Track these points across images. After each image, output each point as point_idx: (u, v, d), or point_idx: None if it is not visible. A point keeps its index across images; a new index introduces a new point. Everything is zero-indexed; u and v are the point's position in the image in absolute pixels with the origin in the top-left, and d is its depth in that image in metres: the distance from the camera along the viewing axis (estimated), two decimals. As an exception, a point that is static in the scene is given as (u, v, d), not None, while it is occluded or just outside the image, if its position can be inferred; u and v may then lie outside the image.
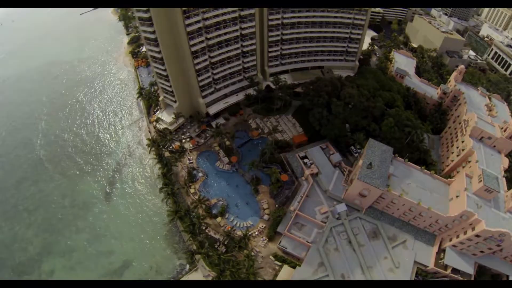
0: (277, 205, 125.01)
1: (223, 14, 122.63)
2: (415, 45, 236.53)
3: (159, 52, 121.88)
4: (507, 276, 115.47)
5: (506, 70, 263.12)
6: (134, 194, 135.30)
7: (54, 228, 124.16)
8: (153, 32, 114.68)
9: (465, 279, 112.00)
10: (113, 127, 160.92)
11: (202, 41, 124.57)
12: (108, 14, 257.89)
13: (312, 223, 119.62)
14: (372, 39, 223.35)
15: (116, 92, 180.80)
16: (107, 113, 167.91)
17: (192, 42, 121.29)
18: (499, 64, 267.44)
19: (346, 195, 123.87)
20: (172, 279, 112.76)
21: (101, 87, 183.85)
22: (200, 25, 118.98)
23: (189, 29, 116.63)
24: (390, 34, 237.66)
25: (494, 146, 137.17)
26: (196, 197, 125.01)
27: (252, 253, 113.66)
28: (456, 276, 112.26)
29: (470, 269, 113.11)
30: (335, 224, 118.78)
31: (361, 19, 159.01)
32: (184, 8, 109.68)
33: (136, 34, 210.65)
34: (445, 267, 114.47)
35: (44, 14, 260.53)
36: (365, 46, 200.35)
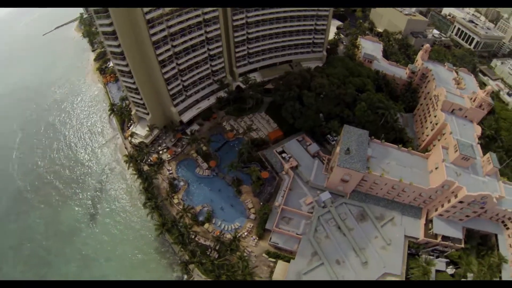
0: (261, 203, 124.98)
1: (188, 19, 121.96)
2: (380, 30, 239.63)
3: (127, 66, 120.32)
4: (495, 235, 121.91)
5: (470, 44, 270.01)
6: (120, 212, 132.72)
7: (42, 261, 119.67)
8: (119, 46, 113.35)
9: (456, 244, 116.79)
10: (89, 147, 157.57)
11: (168, 49, 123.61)
12: (72, 32, 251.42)
13: (299, 215, 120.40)
14: (338, 28, 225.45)
15: (88, 112, 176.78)
16: (81, 134, 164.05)
17: (158, 52, 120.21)
18: (462, 39, 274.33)
19: (328, 183, 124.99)
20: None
21: (72, 108, 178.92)
22: (165, 33, 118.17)
23: (154, 38, 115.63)
24: (355, 21, 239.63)
25: (466, 117, 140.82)
26: (181, 207, 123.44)
27: (245, 254, 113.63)
28: (446, 243, 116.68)
29: (459, 234, 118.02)
30: (322, 212, 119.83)
31: (325, 10, 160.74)
32: (148, 18, 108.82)
33: (102, 50, 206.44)
34: (435, 236, 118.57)
35: (5, 36, 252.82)
36: (332, 36, 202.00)
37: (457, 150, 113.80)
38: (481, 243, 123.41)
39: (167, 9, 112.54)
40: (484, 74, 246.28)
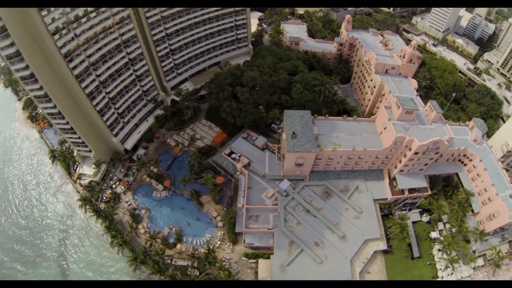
0: (225, 208, 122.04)
1: (105, 45, 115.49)
2: (301, 12, 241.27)
3: (54, 107, 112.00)
4: (457, 174, 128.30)
5: (388, 8, 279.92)
6: (90, 261, 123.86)
7: None
8: (41, 88, 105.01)
9: (423, 193, 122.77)
10: (39, 205, 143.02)
11: (93, 80, 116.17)
12: None
13: (265, 210, 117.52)
14: (260, 19, 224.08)
15: (29, 167, 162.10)
16: (27, 193, 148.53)
17: (83, 84, 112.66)
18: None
19: (284, 171, 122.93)
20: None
21: (11, 170, 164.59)
22: (85, 64, 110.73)
23: (76, 71, 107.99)
24: (275, 9, 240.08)
25: (400, 74, 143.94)
26: (148, 235, 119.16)
27: (224, 263, 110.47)
28: (414, 195, 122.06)
29: (423, 183, 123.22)
30: (286, 201, 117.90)
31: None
32: (64, 52, 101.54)
33: (28, 97, 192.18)
34: (402, 191, 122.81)
35: None
36: (254, 28, 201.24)
37: (399, 106, 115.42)
38: (445, 185, 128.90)
39: (81, 39, 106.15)
40: (408, 32, 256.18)
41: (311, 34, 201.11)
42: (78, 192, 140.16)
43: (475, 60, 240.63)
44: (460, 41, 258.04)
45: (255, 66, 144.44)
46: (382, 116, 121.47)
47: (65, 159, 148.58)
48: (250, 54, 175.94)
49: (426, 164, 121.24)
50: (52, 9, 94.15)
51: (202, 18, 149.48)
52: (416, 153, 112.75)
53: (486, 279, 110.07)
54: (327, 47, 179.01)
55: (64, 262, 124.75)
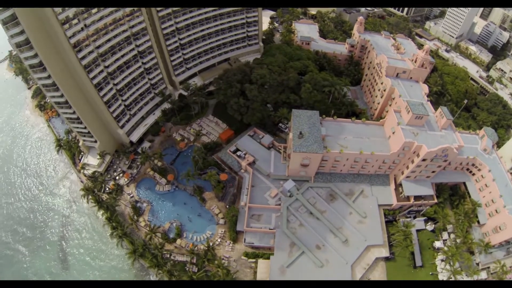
0: (227, 206, 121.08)
1: (115, 36, 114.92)
2: (314, 12, 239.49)
3: (62, 96, 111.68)
4: (464, 183, 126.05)
5: (402, 11, 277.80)
6: (91, 250, 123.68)
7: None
8: (49, 77, 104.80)
9: (429, 201, 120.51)
10: (44, 191, 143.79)
11: (101, 71, 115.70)
12: (3, 72, 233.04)
13: (267, 210, 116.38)
14: (272, 18, 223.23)
15: (36, 153, 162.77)
16: (33, 179, 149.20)
17: (91, 75, 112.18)
18: (394, 8, 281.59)
19: (289, 171, 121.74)
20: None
21: (18, 155, 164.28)
22: (94, 55, 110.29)
23: (84, 62, 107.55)
24: (287, 8, 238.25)
25: (411, 78, 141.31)
26: (148, 228, 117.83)
27: (223, 261, 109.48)
28: (420, 202, 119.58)
29: (430, 191, 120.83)
30: (290, 202, 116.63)
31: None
32: (72, 42, 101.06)
33: (37, 85, 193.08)
34: (407, 198, 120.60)
35: None
36: (266, 26, 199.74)
37: (409, 111, 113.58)
38: (452, 194, 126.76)
39: (91, 30, 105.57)
40: (421, 37, 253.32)
41: (323, 34, 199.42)
42: (82, 181, 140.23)
43: (487, 68, 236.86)
44: (473, 48, 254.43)
45: (265, 64, 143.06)
46: (391, 120, 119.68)
47: (70, 148, 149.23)
48: (260, 52, 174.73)
49: (433, 172, 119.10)
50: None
51: (213, 13, 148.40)
52: (424, 160, 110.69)
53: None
54: (338, 48, 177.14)
55: (63, 251, 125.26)
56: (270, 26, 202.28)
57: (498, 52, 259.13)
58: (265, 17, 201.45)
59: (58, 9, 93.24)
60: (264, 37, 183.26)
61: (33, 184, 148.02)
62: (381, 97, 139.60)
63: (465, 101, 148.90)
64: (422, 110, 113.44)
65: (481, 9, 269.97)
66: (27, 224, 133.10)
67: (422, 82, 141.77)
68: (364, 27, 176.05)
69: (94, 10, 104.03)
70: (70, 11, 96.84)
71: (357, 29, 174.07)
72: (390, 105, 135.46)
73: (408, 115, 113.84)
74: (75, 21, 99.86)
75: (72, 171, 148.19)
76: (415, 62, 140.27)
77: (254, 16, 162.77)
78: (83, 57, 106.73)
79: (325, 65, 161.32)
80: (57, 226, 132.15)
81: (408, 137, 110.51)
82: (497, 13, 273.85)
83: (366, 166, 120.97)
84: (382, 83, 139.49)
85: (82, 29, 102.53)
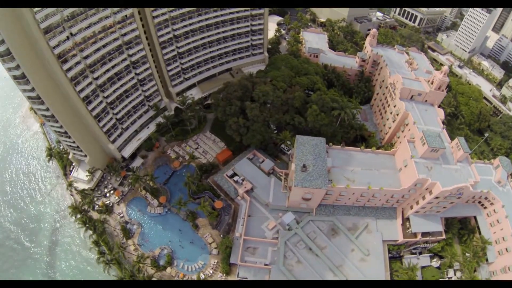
0: (221, 235, 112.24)
1: (105, 46, 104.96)
2: (323, 20, 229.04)
3: (47, 110, 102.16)
4: (475, 218, 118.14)
5: (414, 22, 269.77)
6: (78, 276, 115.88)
7: None
8: (32, 90, 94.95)
9: (437, 237, 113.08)
10: (33, 204, 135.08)
11: (90, 83, 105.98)
12: (2, 69, 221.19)
13: (264, 243, 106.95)
14: (278, 24, 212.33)
15: (28, 159, 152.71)
16: (20, 189, 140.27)
17: (78, 88, 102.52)
18: (406, 18, 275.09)
19: (290, 203, 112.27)
20: None
21: (10, 161, 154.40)
22: (81, 66, 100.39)
23: (70, 74, 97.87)
24: (295, 14, 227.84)
25: (426, 101, 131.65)
26: (138, 252, 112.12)
27: None
28: (427, 238, 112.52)
29: (438, 227, 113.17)
30: (288, 236, 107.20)
31: (259, 8, 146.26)
32: (57, 52, 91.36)
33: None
34: (414, 234, 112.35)
35: None
36: (272, 33, 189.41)
37: (424, 143, 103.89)
38: (461, 227, 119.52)
39: (77, 39, 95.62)
40: (433, 50, 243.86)
41: (332, 45, 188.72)
42: (72, 195, 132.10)
43: (500, 85, 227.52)
44: (485, 63, 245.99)
45: (269, 79, 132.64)
46: (404, 151, 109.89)
47: (62, 158, 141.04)
48: (265, 63, 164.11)
49: (444, 207, 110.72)
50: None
51: (215, 20, 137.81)
52: (436, 197, 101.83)
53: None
54: (348, 62, 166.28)
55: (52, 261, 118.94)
56: (277, 34, 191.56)
57: (510, 68, 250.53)
58: (272, 23, 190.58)
59: (40, 17, 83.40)
60: (269, 46, 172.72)
61: (24, 190, 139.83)
62: (393, 121, 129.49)
63: (486, 135, 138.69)
64: (439, 143, 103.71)
65: (494, 21, 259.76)
66: (12, 238, 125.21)
67: (437, 106, 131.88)
68: (376, 40, 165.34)
69: (81, 17, 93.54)
70: (54, 19, 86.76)
71: (369, 42, 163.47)
72: (402, 131, 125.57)
73: (423, 148, 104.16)
74: (60, 29, 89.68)
75: (63, 182, 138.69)
76: (432, 83, 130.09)
77: (259, 24, 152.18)
78: (69, 69, 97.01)
79: (334, 80, 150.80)
80: (46, 244, 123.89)
81: (421, 172, 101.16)
82: (510, 26, 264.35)
83: (373, 200, 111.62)
84: (395, 106, 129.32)
85: (67, 38, 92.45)
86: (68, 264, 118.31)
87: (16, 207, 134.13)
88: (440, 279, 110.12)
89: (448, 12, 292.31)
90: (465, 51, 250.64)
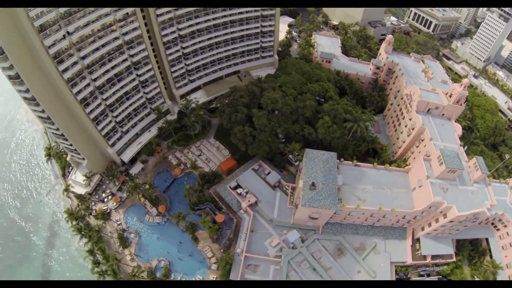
0: (222, 250, 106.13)
1: (104, 45, 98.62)
2: (336, 23, 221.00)
3: (43, 111, 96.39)
4: (487, 239, 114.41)
5: (428, 28, 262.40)
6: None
7: None
8: (27, 91, 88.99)
9: (447, 260, 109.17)
10: (31, 205, 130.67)
11: (87, 85, 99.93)
12: None
13: (266, 261, 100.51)
14: (289, 25, 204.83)
15: (29, 157, 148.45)
16: (20, 188, 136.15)
17: (75, 90, 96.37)
18: (420, 23, 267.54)
19: (295, 220, 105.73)
20: None
21: (9, 157, 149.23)
22: (78, 67, 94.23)
23: (67, 75, 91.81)
24: (307, 16, 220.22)
25: (443, 114, 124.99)
26: (135, 263, 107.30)
27: None
28: (437, 261, 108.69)
29: (449, 250, 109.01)
30: (292, 255, 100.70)
31: (271, 8, 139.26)
32: (53, 52, 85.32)
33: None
34: (424, 257, 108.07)
35: None
36: (283, 35, 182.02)
37: (442, 163, 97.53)
38: (472, 249, 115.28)
39: (74, 38, 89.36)
40: (448, 58, 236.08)
41: (345, 50, 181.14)
42: (69, 198, 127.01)
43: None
44: (500, 73, 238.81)
45: (278, 85, 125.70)
46: (419, 170, 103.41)
47: (60, 158, 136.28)
48: (274, 66, 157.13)
49: (457, 230, 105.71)
50: (41, 0, 77.61)
51: (223, 20, 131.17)
52: (451, 221, 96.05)
53: None
54: (362, 69, 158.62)
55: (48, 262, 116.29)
56: (287, 36, 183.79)
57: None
58: (282, 24, 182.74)
59: (33, 14, 77.10)
60: (279, 48, 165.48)
61: (23, 188, 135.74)
62: (408, 135, 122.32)
63: (507, 156, 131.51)
64: (457, 164, 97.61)
65: (510, 30, 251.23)
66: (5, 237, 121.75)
67: (454, 120, 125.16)
68: (392, 47, 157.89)
69: (79, 15, 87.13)
70: (49, 16, 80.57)
71: (384, 48, 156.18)
72: (417, 147, 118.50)
73: (440, 168, 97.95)
74: (55, 27, 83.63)
75: (62, 183, 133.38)
76: (450, 96, 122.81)
77: (270, 25, 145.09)
78: (66, 69, 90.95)
79: (347, 88, 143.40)
80: (41, 254, 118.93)
81: (436, 194, 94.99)
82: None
83: (383, 220, 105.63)
84: (410, 119, 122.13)
85: (63, 37, 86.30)
86: (63, 269, 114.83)
87: (7, 210, 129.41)
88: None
89: (463, 19, 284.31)
90: (480, 60, 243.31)
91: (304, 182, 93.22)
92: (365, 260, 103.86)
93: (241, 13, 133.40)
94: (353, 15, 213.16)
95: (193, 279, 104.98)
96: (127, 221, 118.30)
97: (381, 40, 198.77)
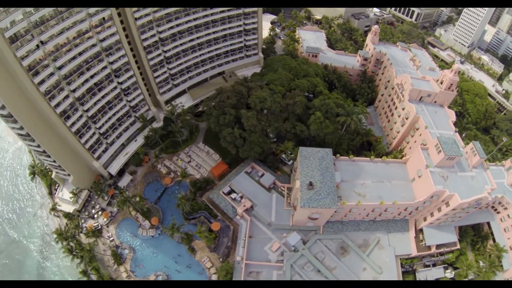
0: (221, 259, 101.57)
1: (81, 53, 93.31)
2: (319, 17, 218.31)
3: (22, 128, 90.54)
4: (488, 223, 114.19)
5: (411, 17, 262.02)
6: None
7: None
8: (3, 107, 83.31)
9: (452, 248, 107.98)
10: (18, 228, 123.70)
11: (66, 96, 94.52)
12: None
13: (268, 267, 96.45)
14: (272, 23, 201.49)
15: (12, 179, 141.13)
16: (6, 212, 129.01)
17: (54, 103, 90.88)
18: (402, 13, 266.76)
19: (294, 222, 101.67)
20: None
21: None
22: (55, 78, 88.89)
23: (43, 87, 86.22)
24: (289, 12, 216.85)
25: (435, 102, 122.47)
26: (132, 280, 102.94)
27: None
28: (441, 250, 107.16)
29: (453, 237, 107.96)
30: (294, 259, 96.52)
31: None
32: (26, 64, 79.91)
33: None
34: (428, 247, 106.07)
35: None
36: (266, 33, 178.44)
37: (440, 151, 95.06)
38: (474, 234, 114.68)
39: (49, 47, 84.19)
40: (433, 46, 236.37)
41: (330, 43, 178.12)
42: (57, 216, 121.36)
43: (500, 79, 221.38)
44: (485, 58, 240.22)
45: (265, 82, 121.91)
46: (417, 160, 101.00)
47: (45, 176, 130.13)
48: (260, 64, 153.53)
49: (460, 217, 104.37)
50: (11, 9, 72.29)
51: (205, 20, 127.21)
52: (453, 209, 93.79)
53: None
54: (349, 61, 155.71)
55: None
56: (271, 33, 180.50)
57: (509, 62, 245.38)
58: (265, 22, 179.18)
59: (4, 25, 71.74)
60: (264, 46, 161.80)
61: (3, 220, 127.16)
62: (402, 125, 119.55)
63: (504, 139, 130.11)
64: (455, 150, 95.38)
65: (490, 15, 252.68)
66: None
67: (446, 107, 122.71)
68: (378, 37, 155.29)
69: (52, 22, 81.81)
70: (20, 25, 75.25)
71: (371, 39, 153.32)
72: (412, 136, 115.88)
73: (439, 156, 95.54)
74: (28, 37, 78.23)
75: (48, 202, 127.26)
76: (441, 83, 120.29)
77: (253, 23, 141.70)
78: (42, 82, 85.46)
79: (335, 82, 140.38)
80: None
81: (437, 183, 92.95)
82: (506, 19, 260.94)
83: (384, 214, 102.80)
84: (403, 109, 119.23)
85: (37, 47, 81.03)
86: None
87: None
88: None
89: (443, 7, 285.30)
90: (464, 45, 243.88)
91: (301, 182, 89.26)
92: (369, 256, 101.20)
93: (222, 11, 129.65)
94: (336, 8, 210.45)
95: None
96: (120, 237, 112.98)
97: (366, 32, 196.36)
